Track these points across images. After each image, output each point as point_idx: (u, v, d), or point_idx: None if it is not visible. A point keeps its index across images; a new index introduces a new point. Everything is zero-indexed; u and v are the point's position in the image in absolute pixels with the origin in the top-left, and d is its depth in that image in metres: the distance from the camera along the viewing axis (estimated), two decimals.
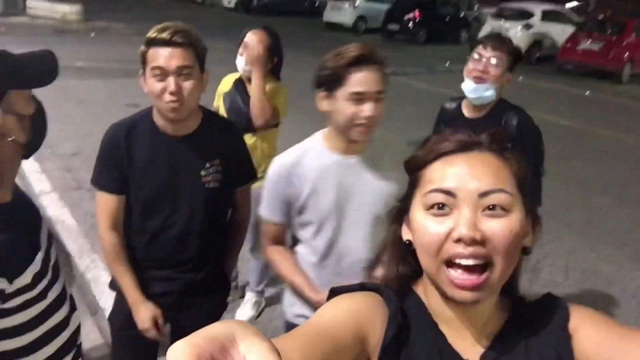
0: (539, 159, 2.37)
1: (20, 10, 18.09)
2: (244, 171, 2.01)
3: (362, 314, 0.79)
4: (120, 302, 1.90)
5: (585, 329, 0.80)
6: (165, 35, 1.63)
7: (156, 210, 1.80)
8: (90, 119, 7.16)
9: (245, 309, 3.33)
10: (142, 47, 1.68)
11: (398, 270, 0.89)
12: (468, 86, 2.31)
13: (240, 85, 2.89)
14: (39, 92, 1.20)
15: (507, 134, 2.21)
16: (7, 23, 15.64)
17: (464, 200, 0.77)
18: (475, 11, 20.80)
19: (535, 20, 15.90)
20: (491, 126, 2.27)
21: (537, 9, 16.18)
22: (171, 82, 1.63)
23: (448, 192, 0.78)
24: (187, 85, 1.67)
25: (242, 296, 3.42)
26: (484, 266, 0.76)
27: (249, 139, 2.85)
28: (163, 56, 1.63)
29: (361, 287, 0.85)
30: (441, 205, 0.78)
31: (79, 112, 7.49)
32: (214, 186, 1.83)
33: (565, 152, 7.38)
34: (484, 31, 16.44)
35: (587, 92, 12.09)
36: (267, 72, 2.78)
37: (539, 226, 0.87)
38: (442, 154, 0.82)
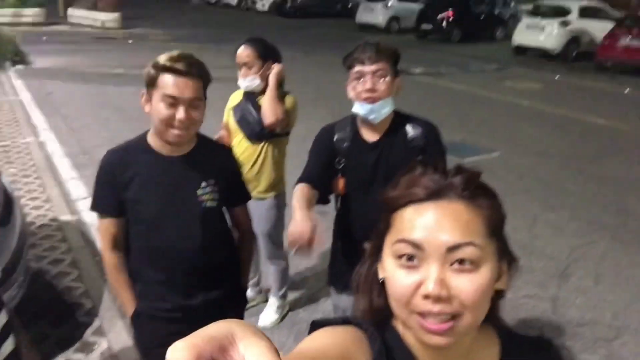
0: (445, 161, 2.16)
1: (61, 18, 18.72)
2: (239, 193, 2.07)
3: (347, 351, 0.76)
4: (139, 332, 2.02)
5: None
6: (181, 66, 1.68)
7: (158, 230, 1.85)
8: (127, 126, 7.33)
9: (268, 313, 3.39)
10: (152, 71, 1.72)
11: (374, 305, 0.88)
12: (363, 109, 2.06)
13: (251, 96, 2.95)
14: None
15: (439, 156, 2.08)
16: (49, 31, 16.22)
17: (431, 254, 0.75)
18: (512, 8, 20.41)
19: (573, 16, 15.49)
20: (395, 145, 2.14)
21: (575, 5, 15.74)
22: (182, 111, 1.69)
23: (415, 245, 0.76)
24: (195, 115, 1.74)
25: (266, 300, 3.47)
26: (453, 315, 0.76)
27: (260, 146, 2.95)
28: (178, 86, 1.68)
29: (343, 322, 0.83)
30: (410, 257, 0.77)
31: (116, 119, 7.70)
32: (210, 205, 1.89)
33: (601, 152, 7.20)
34: (520, 29, 16.18)
35: (627, 90, 11.71)
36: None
37: (515, 265, 0.85)
38: (411, 202, 0.80)
